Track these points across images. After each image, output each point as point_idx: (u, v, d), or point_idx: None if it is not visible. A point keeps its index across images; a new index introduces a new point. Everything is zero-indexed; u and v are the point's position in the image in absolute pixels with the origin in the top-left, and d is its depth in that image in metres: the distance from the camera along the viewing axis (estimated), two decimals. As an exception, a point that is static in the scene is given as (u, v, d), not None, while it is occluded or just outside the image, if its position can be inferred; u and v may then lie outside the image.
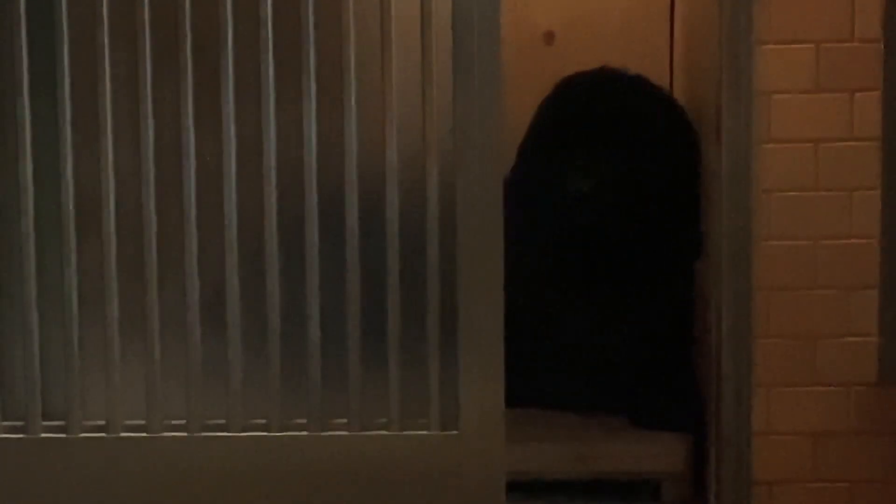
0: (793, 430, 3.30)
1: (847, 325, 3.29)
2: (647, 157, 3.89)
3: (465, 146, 3.12)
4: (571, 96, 4.01)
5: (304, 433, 3.17)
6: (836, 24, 3.25)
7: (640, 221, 3.86)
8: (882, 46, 3.24)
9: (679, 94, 4.18)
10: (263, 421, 3.18)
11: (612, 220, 3.87)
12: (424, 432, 3.16)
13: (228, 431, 3.17)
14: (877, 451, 3.30)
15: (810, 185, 3.27)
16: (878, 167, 3.27)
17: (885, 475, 3.30)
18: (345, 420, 3.17)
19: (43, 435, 3.17)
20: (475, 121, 3.13)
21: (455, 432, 3.15)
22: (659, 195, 3.89)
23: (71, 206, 3.14)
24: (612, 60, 4.09)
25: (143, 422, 3.17)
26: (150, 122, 3.12)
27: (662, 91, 4.10)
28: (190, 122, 3.12)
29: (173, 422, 3.17)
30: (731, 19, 3.26)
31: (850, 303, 3.29)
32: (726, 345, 3.28)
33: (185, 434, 3.17)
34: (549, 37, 4.46)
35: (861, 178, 3.27)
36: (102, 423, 3.17)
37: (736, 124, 3.23)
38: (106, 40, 3.10)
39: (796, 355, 3.29)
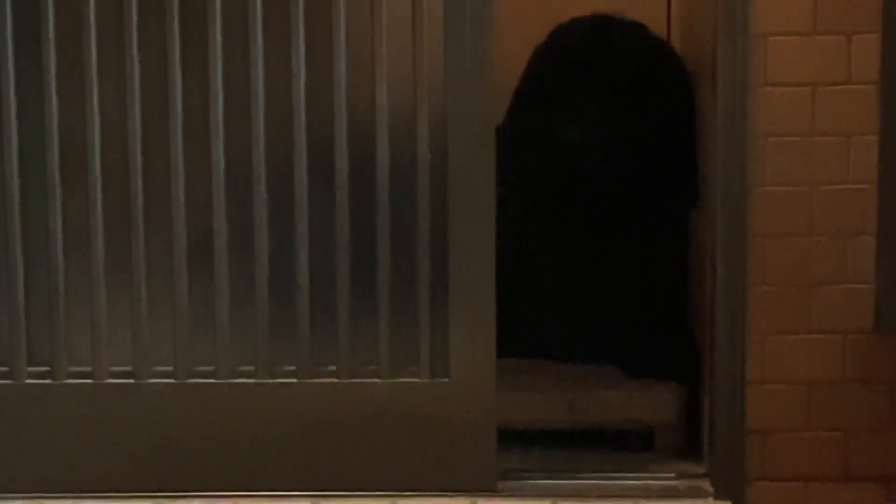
0: (787, 379, 3.27)
1: (844, 273, 3.25)
2: (643, 105, 3.86)
3: (457, 92, 3.10)
4: (566, 44, 3.98)
5: (293, 381, 3.15)
6: (834, -35, 3.21)
7: (634, 170, 3.83)
8: (881, -12, 3.21)
9: (677, 41, 4.14)
10: (252, 368, 3.16)
11: (607, 169, 3.84)
12: (414, 380, 3.15)
13: (216, 378, 3.15)
14: (872, 400, 3.27)
15: (807, 129, 3.23)
16: (876, 111, 3.22)
17: (881, 424, 3.27)
18: (334, 367, 3.15)
19: (28, 381, 3.16)
20: (466, 66, 3.11)
21: (445, 380, 3.14)
22: (654, 144, 3.86)
23: (56, 152, 3.11)
24: (608, 6, 4.05)
25: (129, 368, 3.15)
26: (136, 65, 3.10)
27: (659, 38, 4.06)
28: (177, 66, 3.09)
29: (160, 368, 3.16)
30: (728, -40, 3.22)
31: (846, 250, 3.25)
32: (720, 292, 3.25)
33: (172, 381, 3.16)
34: (546, -18, 4.42)
35: (859, 122, 3.22)
36: (88, 369, 3.16)
37: (731, 67, 3.18)
38: (91, -19, 3.07)
39: (792, 303, 3.26)
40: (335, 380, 3.15)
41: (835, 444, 3.28)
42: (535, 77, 3.97)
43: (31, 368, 3.16)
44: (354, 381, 3.15)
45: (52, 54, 3.09)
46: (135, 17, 3.07)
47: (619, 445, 3.58)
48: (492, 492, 3.20)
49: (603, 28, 3.95)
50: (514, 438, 3.39)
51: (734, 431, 3.26)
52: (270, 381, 3.15)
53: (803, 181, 3.24)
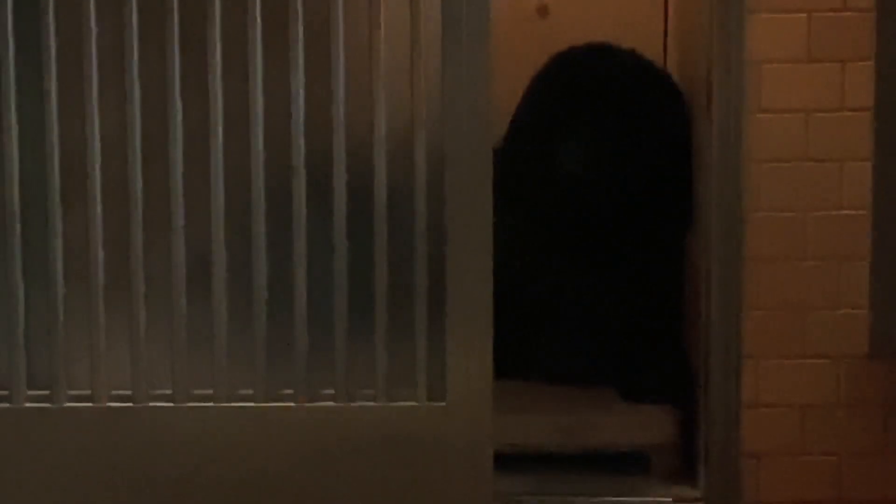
0: (782, 403, 3.29)
1: (837, 297, 3.28)
2: (639, 131, 3.88)
3: (454, 117, 3.10)
4: (563, 72, 4.01)
5: (291, 404, 3.15)
6: (829, -7, 3.24)
7: (629, 196, 3.85)
8: (874, 16, 3.22)
9: (673, 67, 4.16)
10: (250, 392, 3.16)
11: (602, 194, 3.86)
12: (411, 403, 3.15)
13: (214, 402, 3.16)
14: (866, 424, 3.29)
15: (801, 155, 3.26)
16: (870, 137, 3.25)
17: (874, 448, 3.29)
18: (331, 391, 3.16)
19: (27, 404, 3.16)
20: (464, 91, 3.11)
21: (442, 403, 3.14)
22: (650, 170, 3.88)
23: (56, 173, 3.12)
24: (606, 34, 4.07)
25: (128, 392, 3.16)
26: (137, 88, 3.10)
27: (655, 65, 4.09)
28: (176, 88, 3.10)
29: (159, 392, 3.16)
30: (724, -12, 3.25)
31: (840, 274, 3.28)
32: (716, 316, 3.27)
33: (170, 404, 3.16)
34: (543, 10, 4.44)
35: (852, 148, 3.25)
36: (87, 392, 3.16)
37: (727, 94, 3.21)
38: (92, 4, 3.08)
39: (786, 327, 3.28)
40: (332, 403, 3.15)
41: (829, 467, 3.29)
42: (533, 103, 3.99)
43: (30, 392, 3.16)
44: (352, 404, 3.15)
45: (54, 76, 3.10)
46: (135, 40, 3.08)
47: (615, 468, 3.59)
48: (488, 515, 3.20)
49: (600, 56, 3.98)
50: (510, 461, 3.40)
51: (729, 455, 3.28)
52: (268, 404, 3.15)
53: (798, 206, 3.27)
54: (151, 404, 3.15)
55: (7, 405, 3.16)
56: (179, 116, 3.11)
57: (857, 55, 3.23)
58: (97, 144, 3.11)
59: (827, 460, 3.29)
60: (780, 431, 3.29)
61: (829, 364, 3.28)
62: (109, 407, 3.16)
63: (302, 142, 3.11)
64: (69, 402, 3.16)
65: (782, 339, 3.28)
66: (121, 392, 3.16)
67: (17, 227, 3.13)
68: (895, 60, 3.23)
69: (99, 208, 3.12)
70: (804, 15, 3.23)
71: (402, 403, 3.15)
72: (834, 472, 3.30)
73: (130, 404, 3.15)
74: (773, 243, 3.27)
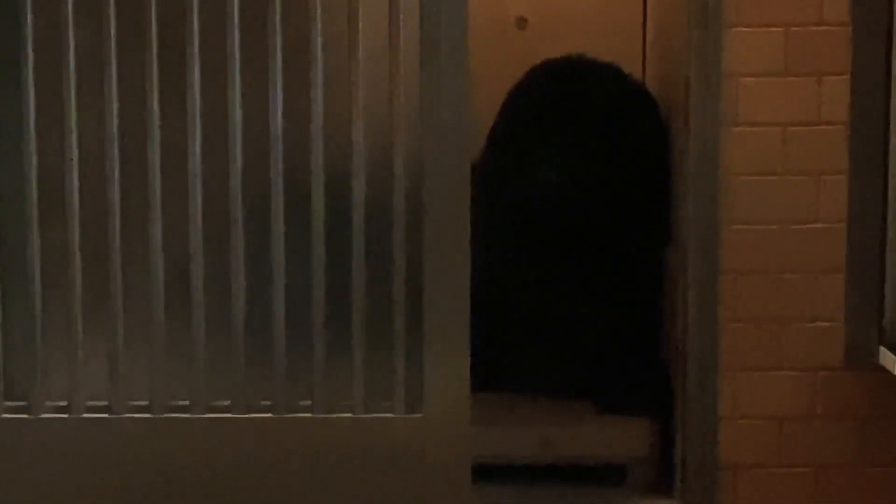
0: (759, 415, 3.30)
1: (814, 310, 3.29)
2: (616, 145, 3.89)
3: (433, 130, 3.11)
4: (540, 85, 4.02)
5: (269, 415, 3.15)
6: (805, 7, 3.25)
7: (607, 209, 3.86)
8: (850, 30, 3.25)
9: (651, 80, 4.18)
10: (227, 403, 3.16)
11: (580, 208, 3.87)
12: (389, 415, 3.15)
13: (192, 413, 3.15)
14: (842, 436, 3.30)
15: (778, 168, 3.27)
16: (846, 151, 3.27)
17: (851, 459, 3.30)
18: (309, 402, 3.16)
19: (4, 415, 3.15)
20: (442, 104, 3.12)
21: (419, 415, 3.14)
22: (627, 183, 3.89)
23: (34, 185, 3.11)
24: (585, 46, 4.08)
25: (105, 402, 3.15)
26: (115, 101, 3.10)
27: (632, 79, 4.10)
28: (155, 101, 3.10)
29: (136, 403, 3.16)
30: (701, 2, 3.26)
31: (816, 287, 3.29)
32: (692, 329, 3.28)
33: (148, 415, 3.15)
34: (522, 22, 4.45)
35: (828, 162, 3.27)
36: (65, 403, 3.15)
37: (704, 107, 3.23)
38: (70, 16, 3.08)
39: (763, 339, 3.29)
40: (310, 414, 3.16)
41: (805, 479, 3.31)
42: (510, 117, 4.00)
43: (7, 403, 3.16)
44: (329, 415, 3.15)
45: (31, 90, 3.10)
46: (114, 56, 3.08)
47: (593, 480, 3.60)
48: (466, 527, 3.20)
49: (576, 69, 3.99)
50: (488, 473, 3.40)
51: (706, 467, 3.29)
52: (246, 415, 3.15)
53: (774, 219, 3.28)
54: (129, 415, 3.15)
55: (-16, 416, 3.16)
56: (158, 128, 3.11)
57: (833, 69, 3.25)
58: (75, 157, 3.11)
59: (804, 472, 3.31)
60: (757, 443, 3.30)
61: (806, 376, 3.30)
62: (87, 418, 3.15)
63: (280, 156, 3.12)
64: (47, 412, 3.15)
65: (759, 352, 3.30)
66: (98, 403, 3.16)
67: (-5, 237, 3.13)
68: (871, 74, 3.25)
69: (77, 220, 3.12)
70: (781, 29, 3.25)
71: (379, 415, 3.15)
72: (811, 483, 3.31)
73: (108, 415, 3.15)
74: (749, 256, 3.28)
